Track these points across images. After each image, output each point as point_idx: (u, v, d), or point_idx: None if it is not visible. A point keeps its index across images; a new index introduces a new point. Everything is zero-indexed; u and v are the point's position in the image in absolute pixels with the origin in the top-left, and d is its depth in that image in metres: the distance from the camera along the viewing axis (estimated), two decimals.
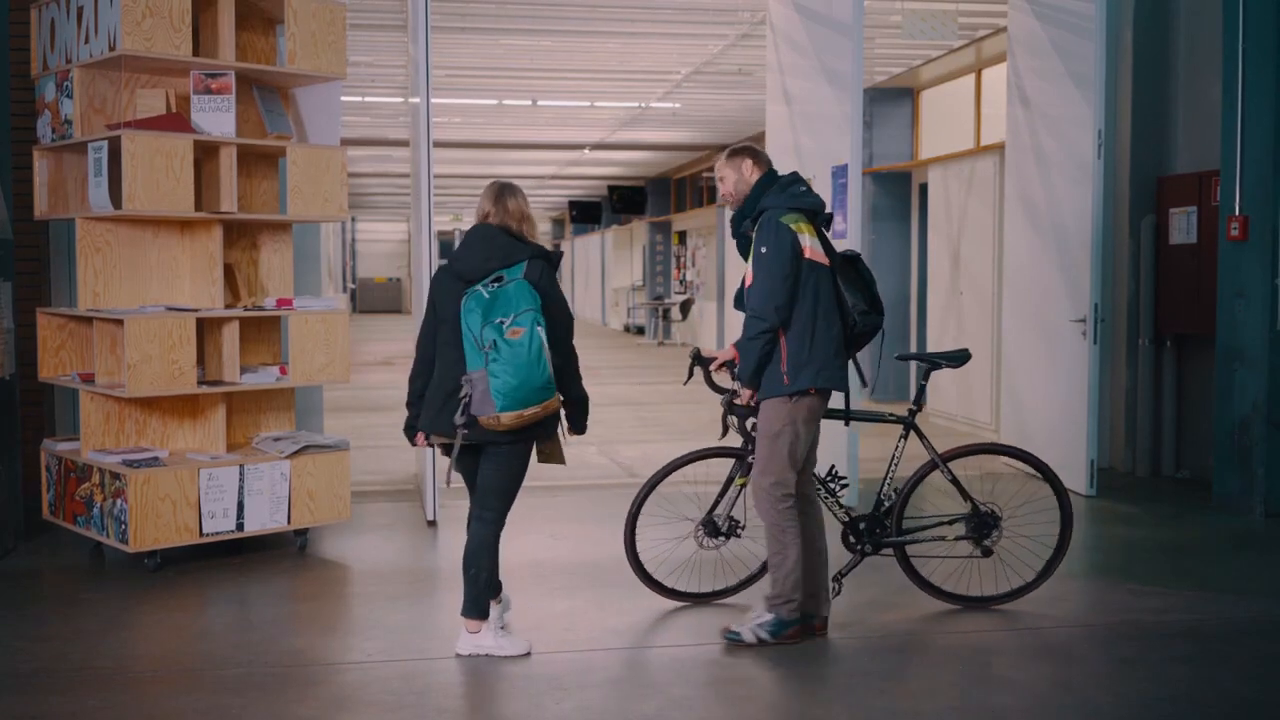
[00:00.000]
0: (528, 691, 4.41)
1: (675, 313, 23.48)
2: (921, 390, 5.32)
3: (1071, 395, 7.98)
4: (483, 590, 4.73)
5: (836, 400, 5.08)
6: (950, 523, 5.35)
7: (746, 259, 4.94)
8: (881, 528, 5.27)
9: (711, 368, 5.15)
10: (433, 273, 4.91)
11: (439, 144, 17.35)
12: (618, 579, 5.79)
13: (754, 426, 5.01)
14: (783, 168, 5.08)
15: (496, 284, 4.50)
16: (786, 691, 4.51)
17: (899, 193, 13.27)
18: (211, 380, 6.29)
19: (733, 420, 5.13)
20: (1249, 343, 7.37)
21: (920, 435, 5.26)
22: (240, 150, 6.32)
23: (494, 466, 4.68)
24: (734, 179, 4.98)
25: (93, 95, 6.22)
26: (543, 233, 37.97)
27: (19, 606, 5.51)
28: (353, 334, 16.87)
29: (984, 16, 10.16)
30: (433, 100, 7.82)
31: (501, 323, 4.41)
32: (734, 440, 5.25)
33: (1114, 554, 6.56)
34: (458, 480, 4.83)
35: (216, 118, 6.17)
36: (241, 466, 6.14)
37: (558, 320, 4.60)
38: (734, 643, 4.86)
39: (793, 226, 4.76)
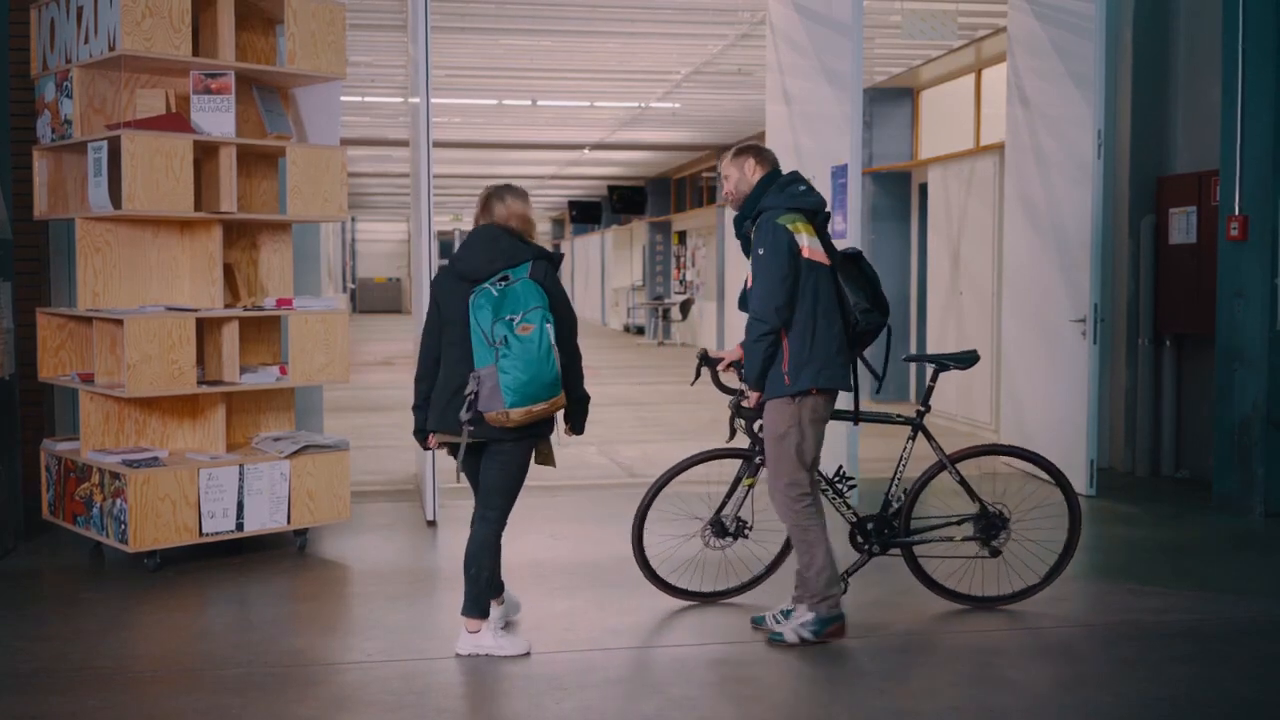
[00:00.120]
0: (528, 691, 4.41)
1: (675, 313, 23.49)
2: (929, 392, 5.32)
3: (1071, 395, 7.98)
4: (483, 590, 4.74)
5: (844, 400, 5.08)
6: (959, 523, 5.36)
7: (750, 259, 4.94)
8: (889, 528, 5.28)
9: (719, 368, 5.16)
10: (433, 273, 4.92)
11: (439, 144, 17.35)
12: (618, 579, 5.80)
13: (761, 429, 5.01)
14: (783, 168, 5.08)
15: (503, 283, 4.54)
16: (787, 691, 4.51)
17: (899, 193, 13.27)
18: (211, 380, 6.29)
19: (740, 423, 5.14)
20: (1249, 343, 7.37)
21: (929, 437, 5.27)
22: (240, 150, 6.32)
23: (497, 465, 4.70)
24: (736, 178, 4.98)
25: (92, 95, 6.22)
26: (542, 233, 37.98)
27: (19, 606, 5.50)
28: (352, 334, 16.88)
29: (984, 16, 10.16)
30: (432, 100, 7.82)
31: (512, 319, 4.46)
32: (741, 442, 5.25)
33: (1114, 554, 6.56)
34: (459, 480, 4.84)
35: (216, 118, 6.17)
36: (241, 466, 6.14)
37: (563, 319, 4.64)
38: (777, 644, 4.87)
39: (789, 227, 4.75)
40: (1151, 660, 4.75)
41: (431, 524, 7.08)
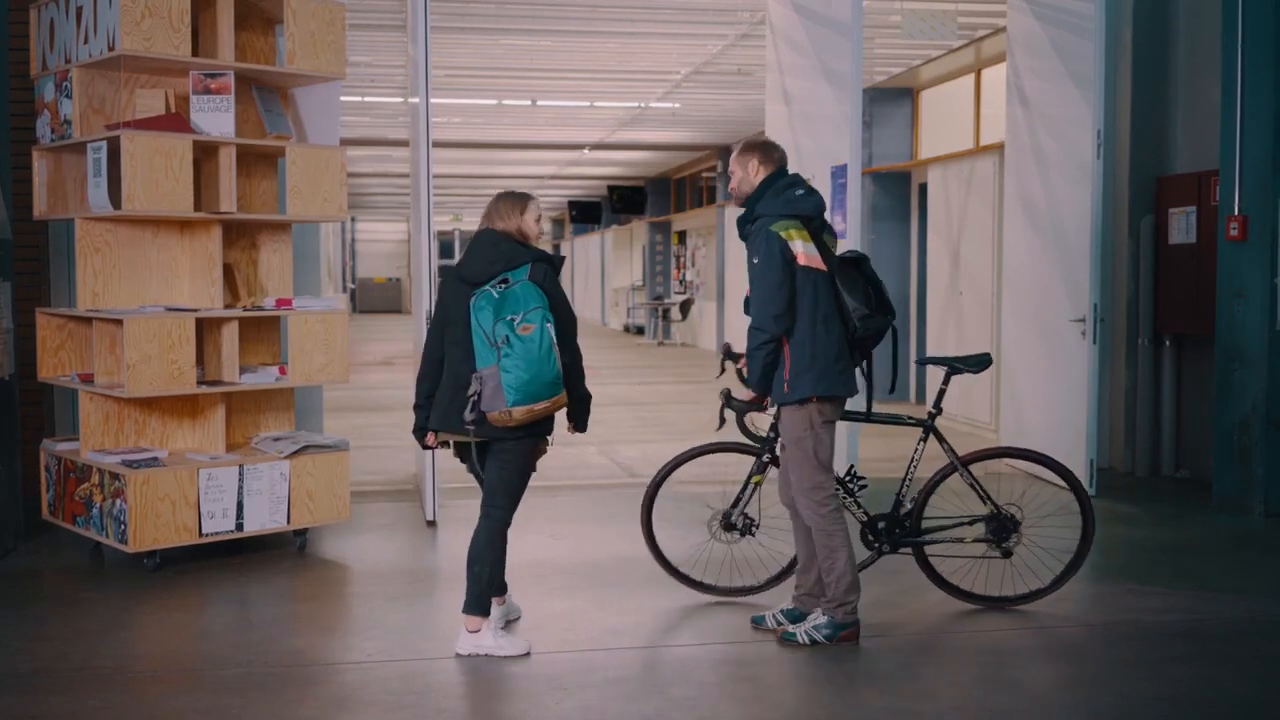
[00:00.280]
0: (528, 691, 4.41)
1: (675, 313, 23.49)
2: (941, 394, 5.32)
3: (1071, 395, 7.98)
4: (485, 588, 4.75)
5: (855, 402, 5.08)
6: (970, 523, 5.37)
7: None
8: (901, 527, 5.29)
9: (745, 415, 5.15)
10: (433, 273, 4.97)
11: (438, 144, 17.33)
12: (618, 579, 5.80)
13: (754, 422, 5.03)
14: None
15: (503, 285, 4.61)
16: (788, 691, 4.51)
17: (898, 193, 13.27)
18: (211, 380, 6.28)
19: (742, 419, 5.16)
20: (1248, 343, 7.37)
21: (940, 438, 5.28)
22: (239, 150, 6.32)
23: (500, 464, 4.74)
24: (739, 176, 4.96)
25: (92, 95, 6.21)
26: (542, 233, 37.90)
27: (19, 606, 5.50)
28: (352, 334, 16.87)
29: (983, 16, 10.16)
30: (432, 100, 7.82)
31: (513, 319, 4.51)
32: (731, 433, 5.29)
33: (1114, 554, 6.56)
34: (459, 480, 4.86)
35: (216, 118, 6.17)
36: (241, 466, 6.14)
37: (563, 320, 4.69)
38: (789, 643, 4.88)
39: (783, 235, 4.73)
40: (1151, 660, 4.75)
41: (431, 524, 7.08)
